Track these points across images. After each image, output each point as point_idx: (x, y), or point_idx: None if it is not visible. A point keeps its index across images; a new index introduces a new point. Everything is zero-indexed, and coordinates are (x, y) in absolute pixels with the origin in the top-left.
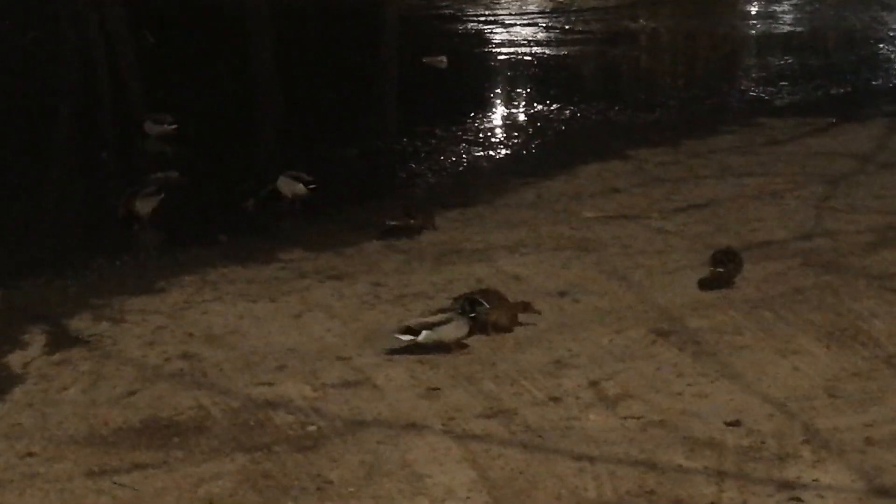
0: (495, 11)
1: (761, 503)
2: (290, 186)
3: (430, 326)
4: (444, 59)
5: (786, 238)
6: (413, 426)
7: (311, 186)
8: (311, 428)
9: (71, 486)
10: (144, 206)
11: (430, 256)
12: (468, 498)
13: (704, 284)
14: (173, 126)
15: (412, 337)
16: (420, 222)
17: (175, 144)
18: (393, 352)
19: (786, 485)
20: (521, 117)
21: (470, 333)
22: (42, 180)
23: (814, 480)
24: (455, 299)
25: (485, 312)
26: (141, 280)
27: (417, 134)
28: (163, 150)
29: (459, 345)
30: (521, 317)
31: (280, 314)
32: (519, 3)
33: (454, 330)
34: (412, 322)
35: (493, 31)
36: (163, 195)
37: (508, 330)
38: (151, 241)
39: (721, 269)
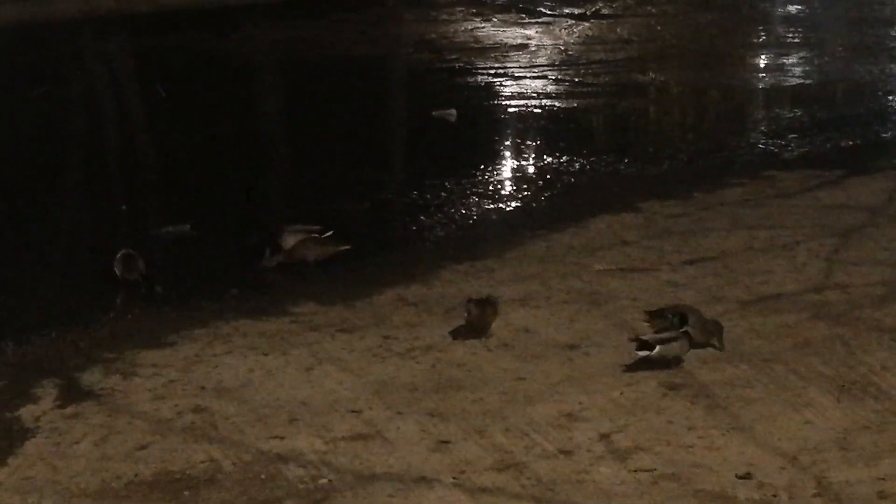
0: (505, 64)
1: None
2: (295, 241)
3: (663, 342)
4: (454, 112)
5: (796, 291)
6: (423, 480)
7: (327, 235)
8: (322, 481)
9: None
10: (143, 266)
11: (440, 309)
12: None
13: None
14: None
15: (647, 352)
16: (305, 253)
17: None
18: (627, 368)
19: None
20: (531, 170)
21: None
22: (52, 234)
23: None
24: (652, 313)
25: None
26: (152, 334)
27: (427, 187)
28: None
29: (675, 361)
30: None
31: (291, 368)
32: (528, 56)
33: (680, 346)
34: (648, 337)
35: (503, 83)
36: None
37: (702, 346)
38: (163, 295)
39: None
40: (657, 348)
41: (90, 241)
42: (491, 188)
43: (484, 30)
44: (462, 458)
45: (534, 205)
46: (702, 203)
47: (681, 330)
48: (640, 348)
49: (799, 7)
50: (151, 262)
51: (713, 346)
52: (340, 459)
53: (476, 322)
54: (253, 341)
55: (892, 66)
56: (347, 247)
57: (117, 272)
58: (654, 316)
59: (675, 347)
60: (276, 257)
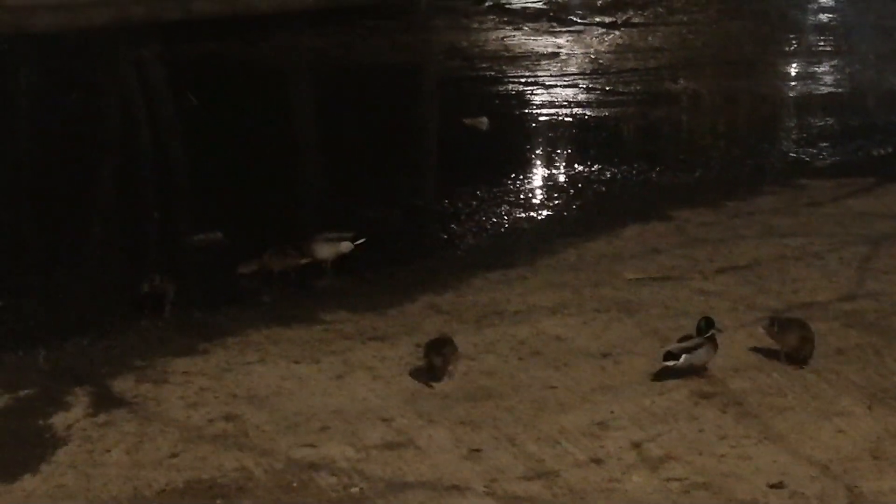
0: (536, 73)
1: None
2: (328, 249)
3: (688, 350)
4: (486, 120)
5: (828, 299)
6: (455, 488)
7: (360, 241)
8: (354, 489)
9: None
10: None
11: (471, 318)
12: None
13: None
14: None
15: (675, 361)
16: (271, 264)
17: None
18: (656, 377)
19: None
20: (562, 178)
21: None
22: (84, 241)
23: None
24: (773, 319)
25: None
26: (184, 341)
27: (458, 195)
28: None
29: (702, 369)
30: None
31: (323, 375)
32: (559, 65)
33: (706, 354)
34: (672, 347)
35: (534, 92)
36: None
37: (800, 362)
38: (194, 302)
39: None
40: (682, 357)
41: (122, 248)
42: (522, 196)
43: (515, 38)
44: (493, 466)
45: (565, 213)
46: (733, 211)
47: (706, 335)
48: (666, 359)
49: (830, 16)
50: (183, 270)
51: (801, 359)
52: (372, 467)
53: (435, 364)
54: (284, 349)
55: None
56: (307, 260)
57: (145, 289)
58: (773, 323)
59: (701, 355)
60: (250, 265)
